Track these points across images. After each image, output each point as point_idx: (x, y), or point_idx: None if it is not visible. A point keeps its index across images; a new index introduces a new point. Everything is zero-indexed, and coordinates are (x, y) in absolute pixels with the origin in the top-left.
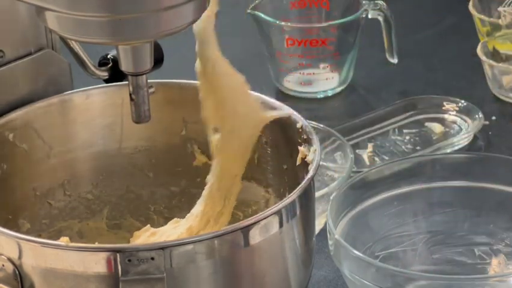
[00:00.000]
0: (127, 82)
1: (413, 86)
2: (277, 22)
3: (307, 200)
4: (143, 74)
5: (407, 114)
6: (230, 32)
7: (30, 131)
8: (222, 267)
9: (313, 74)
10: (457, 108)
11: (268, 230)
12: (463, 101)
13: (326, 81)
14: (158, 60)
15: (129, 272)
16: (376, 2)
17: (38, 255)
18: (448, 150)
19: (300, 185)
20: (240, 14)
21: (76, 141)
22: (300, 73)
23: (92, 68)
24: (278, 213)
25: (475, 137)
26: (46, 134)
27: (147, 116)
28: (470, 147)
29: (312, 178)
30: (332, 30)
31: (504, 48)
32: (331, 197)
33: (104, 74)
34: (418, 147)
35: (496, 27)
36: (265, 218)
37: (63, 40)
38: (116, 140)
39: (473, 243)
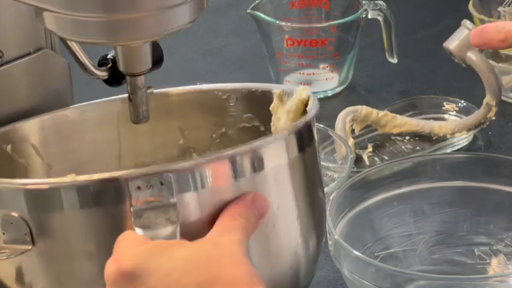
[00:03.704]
0: (120, 96)
1: (413, 86)
2: (277, 22)
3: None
4: (141, 75)
5: (407, 114)
6: (230, 32)
7: (27, 146)
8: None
9: (313, 74)
10: (457, 108)
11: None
12: (462, 101)
13: (326, 81)
14: (157, 60)
15: (139, 200)
16: (376, 2)
17: (44, 199)
18: (448, 150)
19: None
20: (240, 14)
21: (73, 159)
22: (300, 73)
23: (92, 68)
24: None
25: (475, 137)
26: (44, 150)
27: (145, 116)
28: (470, 147)
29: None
30: (331, 30)
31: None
32: (331, 197)
33: (104, 74)
34: (418, 147)
35: None
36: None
37: (62, 40)
38: (114, 156)
39: (473, 243)
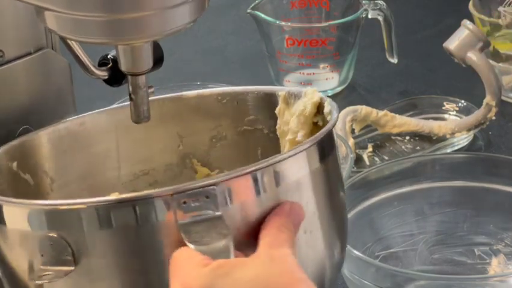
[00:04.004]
0: (118, 105)
1: (413, 86)
2: (277, 22)
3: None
4: (142, 74)
5: (407, 114)
6: (230, 31)
7: (31, 161)
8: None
9: (313, 74)
10: (457, 108)
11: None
12: (462, 101)
13: (326, 81)
14: (158, 60)
15: (186, 215)
16: (376, 2)
17: (89, 218)
18: (448, 150)
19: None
20: (240, 14)
21: (73, 172)
22: (300, 73)
23: (92, 68)
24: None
25: (475, 137)
26: (46, 165)
27: (146, 116)
28: (470, 147)
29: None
30: (332, 30)
31: (504, 48)
32: None
33: (104, 74)
34: (418, 147)
35: (496, 27)
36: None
37: (63, 40)
38: (114, 168)
39: (473, 243)
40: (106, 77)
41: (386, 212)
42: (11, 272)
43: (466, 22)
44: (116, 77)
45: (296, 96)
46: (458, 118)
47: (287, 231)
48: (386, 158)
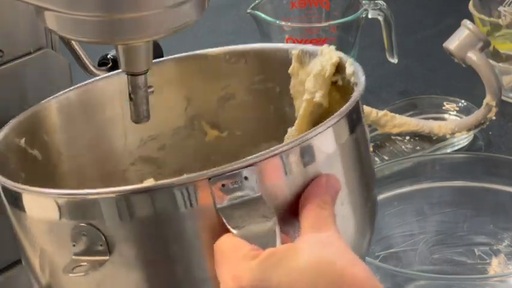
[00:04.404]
0: (119, 72)
1: (413, 86)
2: (277, 22)
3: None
4: (142, 74)
5: (407, 114)
6: (230, 31)
7: (39, 135)
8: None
9: None
10: (457, 108)
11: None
12: (463, 101)
13: None
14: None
15: (225, 198)
16: (376, 1)
17: (123, 206)
18: (448, 150)
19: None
20: (240, 14)
21: (81, 143)
22: None
23: (92, 68)
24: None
25: (475, 137)
26: (53, 137)
27: (146, 116)
28: (470, 147)
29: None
30: (332, 30)
31: (504, 48)
32: None
33: (104, 74)
34: (418, 147)
35: (496, 27)
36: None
37: (62, 40)
38: (120, 135)
39: (473, 243)
40: None
41: (386, 212)
42: (39, 264)
43: (466, 22)
44: None
45: (311, 55)
46: (458, 118)
47: (327, 206)
48: (386, 158)
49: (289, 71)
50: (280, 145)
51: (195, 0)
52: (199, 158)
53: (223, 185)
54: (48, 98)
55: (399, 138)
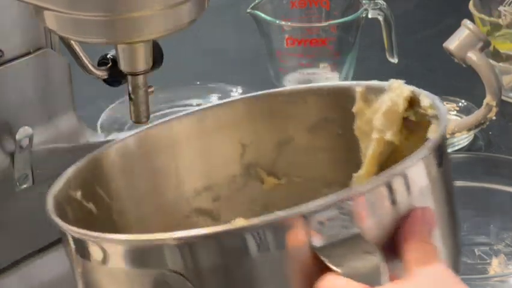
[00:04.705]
0: (177, 116)
1: (413, 86)
2: (277, 22)
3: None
4: (142, 74)
5: None
6: (230, 31)
7: (95, 188)
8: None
9: (313, 73)
10: (457, 108)
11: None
12: (463, 101)
13: (326, 81)
14: (157, 60)
15: (322, 236)
16: (376, 1)
17: (210, 249)
18: (448, 150)
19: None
20: (240, 14)
21: (133, 194)
22: (299, 73)
23: (92, 68)
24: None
25: (475, 137)
26: (108, 189)
27: (146, 116)
28: (470, 147)
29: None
30: (332, 30)
31: (504, 48)
32: None
33: (104, 74)
34: None
35: (496, 27)
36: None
37: (62, 40)
38: (173, 185)
39: (473, 243)
40: (106, 77)
41: None
42: None
43: (466, 22)
44: (115, 77)
45: (377, 91)
46: (458, 118)
47: (429, 240)
48: None
49: (354, 109)
50: (377, 177)
51: (194, 0)
52: (256, 208)
53: (319, 222)
54: (105, 146)
55: None
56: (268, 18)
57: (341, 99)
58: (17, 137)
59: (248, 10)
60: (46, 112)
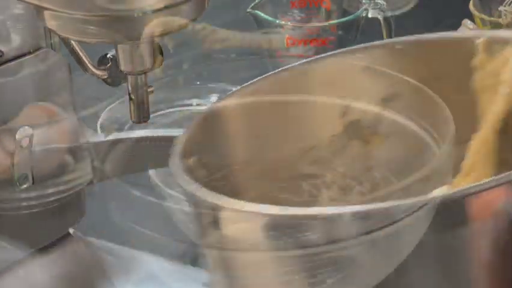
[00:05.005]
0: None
1: None
2: (277, 21)
3: None
4: (142, 74)
5: None
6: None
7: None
8: None
9: None
10: None
11: None
12: None
13: None
14: (157, 59)
15: None
16: (376, 1)
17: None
18: None
19: None
20: (240, 13)
21: (240, 158)
22: None
23: (91, 68)
24: None
25: None
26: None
27: (146, 116)
28: None
29: None
30: (332, 30)
31: None
32: None
33: (104, 74)
34: None
35: (497, 27)
36: None
37: (62, 40)
38: (275, 148)
39: None
40: (106, 77)
41: None
42: None
43: (467, 22)
44: (115, 77)
45: (504, 42)
46: None
47: None
48: None
49: (474, 62)
50: None
51: (194, 0)
52: (358, 169)
53: None
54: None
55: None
56: (268, 18)
57: (459, 51)
58: (17, 137)
59: (248, 10)
60: (46, 112)
